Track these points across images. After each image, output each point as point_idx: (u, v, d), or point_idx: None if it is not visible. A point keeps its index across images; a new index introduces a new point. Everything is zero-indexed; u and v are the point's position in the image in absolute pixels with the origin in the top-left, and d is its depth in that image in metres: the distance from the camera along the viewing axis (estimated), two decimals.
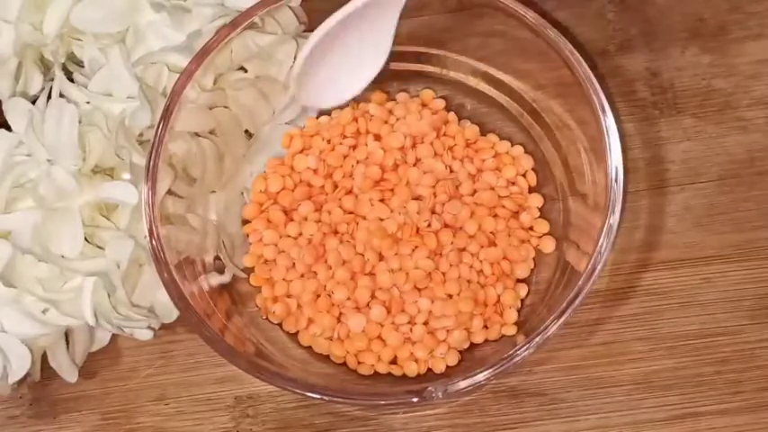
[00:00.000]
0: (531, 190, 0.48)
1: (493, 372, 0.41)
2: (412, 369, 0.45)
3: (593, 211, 0.44)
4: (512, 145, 0.49)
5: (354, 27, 0.44)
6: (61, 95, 0.45)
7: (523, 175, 0.48)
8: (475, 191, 0.47)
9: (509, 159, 0.48)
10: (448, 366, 0.45)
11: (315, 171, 0.47)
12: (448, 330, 0.45)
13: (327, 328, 0.45)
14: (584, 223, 0.45)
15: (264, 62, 0.46)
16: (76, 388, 0.47)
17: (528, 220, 0.47)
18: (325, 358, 0.46)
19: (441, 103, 0.49)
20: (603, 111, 0.43)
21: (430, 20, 0.50)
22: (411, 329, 0.45)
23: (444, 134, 0.48)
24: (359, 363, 0.45)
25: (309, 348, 0.46)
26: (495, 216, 0.47)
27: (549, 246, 0.47)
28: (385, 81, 0.49)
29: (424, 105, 0.49)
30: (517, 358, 0.41)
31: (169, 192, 0.44)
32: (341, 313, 0.46)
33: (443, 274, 0.45)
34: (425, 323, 0.45)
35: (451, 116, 0.49)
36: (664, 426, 0.46)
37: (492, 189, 0.47)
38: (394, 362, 0.45)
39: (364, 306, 0.45)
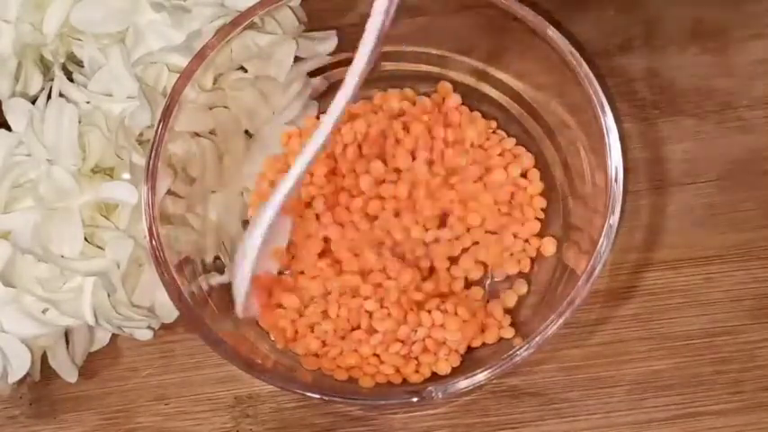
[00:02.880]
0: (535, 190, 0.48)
1: (493, 372, 0.41)
2: (415, 378, 0.45)
3: (593, 211, 0.44)
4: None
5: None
6: (61, 95, 0.45)
7: (524, 175, 0.48)
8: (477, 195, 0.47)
9: (510, 158, 0.48)
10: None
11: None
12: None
13: (312, 350, 0.45)
14: (584, 223, 0.45)
15: (264, 62, 0.46)
16: (76, 388, 0.47)
17: (532, 224, 0.47)
18: None
19: (457, 98, 0.49)
20: (603, 111, 0.43)
21: (430, 20, 0.50)
22: (411, 348, 0.45)
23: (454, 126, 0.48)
24: (356, 378, 0.45)
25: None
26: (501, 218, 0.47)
27: (550, 248, 0.47)
28: (385, 81, 0.50)
29: (443, 99, 0.49)
30: (517, 358, 0.41)
31: (169, 192, 0.44)
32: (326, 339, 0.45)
33: (447, 285, 0.46)
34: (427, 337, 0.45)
35: (464, 110, 0.49)
36: (664, 426, 0.46)
37: (499, 193, 0.47)
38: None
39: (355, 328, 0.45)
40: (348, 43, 0.49)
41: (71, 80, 0.47)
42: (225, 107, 0.46)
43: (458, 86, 0.49)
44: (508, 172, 0.48)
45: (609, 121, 0.43)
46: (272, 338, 0.45)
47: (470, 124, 0.48)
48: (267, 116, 0.48)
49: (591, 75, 0.44)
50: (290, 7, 0.46)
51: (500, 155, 0.48)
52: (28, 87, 0.48)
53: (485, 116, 0.49)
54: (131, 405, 0.47)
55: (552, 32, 0.44)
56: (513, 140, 0.49)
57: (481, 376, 0.41)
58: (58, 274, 0.43)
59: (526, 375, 0.47)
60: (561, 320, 0.41)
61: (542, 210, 0.47)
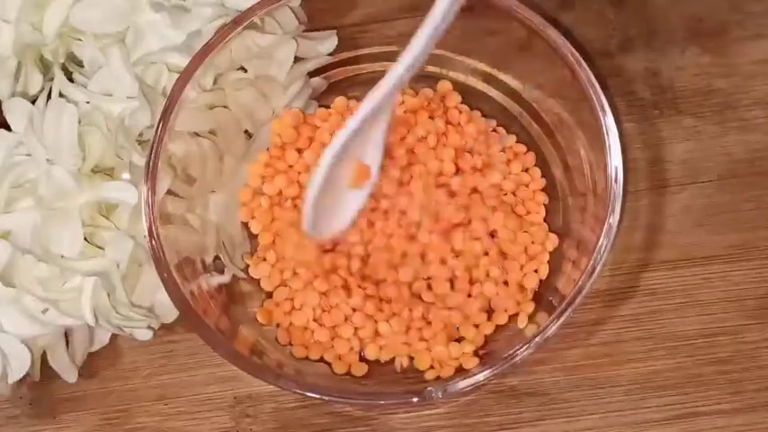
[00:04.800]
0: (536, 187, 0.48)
1: (493, 372, 0.41)
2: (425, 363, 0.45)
3: (593, 211, 0.44)
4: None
5: (348, 151, 0.43)
6: (61, 95, 0.45)
7: (525, 171, 0.48)
8: (477, 190, 0.47)
9: (512, 155, 0.48)
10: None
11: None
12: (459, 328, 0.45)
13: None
14: (584, 223, 0.45)
15: (264, 62, 0.46)
16: (76, 388, 0.47)
17: (534, 218, 0.47)
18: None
19: (457, 97, 0.49)
20: (603, 111, 0.43)
21: None
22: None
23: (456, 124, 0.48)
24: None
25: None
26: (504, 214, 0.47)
27: (549, 247, 0.47)
28: None
29: (442, 98, 0.49)
30: (517, 358, 0.41)
31: (169, 192, 0.44)
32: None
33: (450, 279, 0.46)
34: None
35: (464, 109, 0.49)
36: (664, 426, 0.46)
37: (500, 189, 0.47)
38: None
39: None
40: (348, 43, 0.49)
41: (71, 80, 0.47)
42: (225, 107, 0.46)
43: (458, 86, 0.49)
44: (510, 168, 0.48)
45: (609, 121, 0.43)
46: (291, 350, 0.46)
47: (470, 122, 0.48)
48: (267, 116, 0.48)
49: (591, 75, 0.44)
50: (290, 7, 0.46)
51: (501, 152, 0.48)
52: (28, 87, 0.48)
53: (485, 116, 0.49)
54: (131, 405, 0.47)
55: (552, 32, 0.44)
56: (514, 137, 0.49)
57: (481, 376, 0.41)
58: (58, 274, 0.43)
59: (526, 375, 0.47)
60: (561, 320, 0.41)
61: (543, 206, 0.48)
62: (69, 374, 0.46)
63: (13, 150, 0.45)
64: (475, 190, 0.47)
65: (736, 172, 0.49)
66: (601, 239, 0.42)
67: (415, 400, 0.41)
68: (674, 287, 0.48)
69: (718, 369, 0.46)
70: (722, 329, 0.47)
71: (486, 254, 0.46)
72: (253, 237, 0.48)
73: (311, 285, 0.46)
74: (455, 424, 0.46)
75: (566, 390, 0.46)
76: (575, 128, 0.46)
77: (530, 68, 0.47)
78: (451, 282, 0.46)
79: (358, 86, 0.50)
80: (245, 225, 0.48)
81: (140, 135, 0.45)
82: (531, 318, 0.45)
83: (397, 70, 0.40)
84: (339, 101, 0.49)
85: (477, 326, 0.45)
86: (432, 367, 0.45)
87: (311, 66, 0.48)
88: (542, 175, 0.48)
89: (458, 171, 0.47)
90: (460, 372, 0.44)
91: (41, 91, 0.47)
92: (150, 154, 0.43)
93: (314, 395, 0.41)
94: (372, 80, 0.49)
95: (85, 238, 0.43)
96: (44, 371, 0.46)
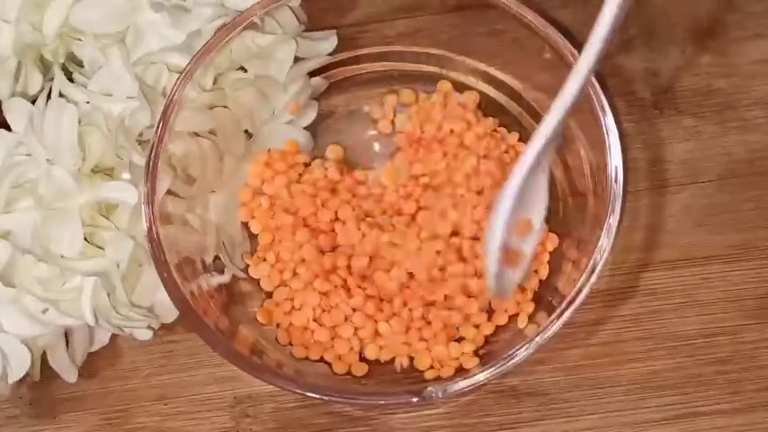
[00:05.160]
0: None
1: (493, 372, 0.41)
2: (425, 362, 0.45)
3: (593, 211, 0.44)
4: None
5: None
6: (61, 95, 0.45)
7: None
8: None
9: (514, 155, 0.48)
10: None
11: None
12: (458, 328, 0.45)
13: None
14: (584, 223, 0.45)
15: (264, 62, 0.46)
16: (76, 388, 0.47)
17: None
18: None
19: (457, 97, 0.49)
20: (603, 111, 0.43)
21: (430, 20, 0.50)
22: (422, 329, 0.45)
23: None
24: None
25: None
26: None
27: (549, 247, 0.47)
28: (385, 81, 0.50)
29: (444, 98, 0.49)
30: (517, 358, 0.41)
31: (169, 192, 0.44)
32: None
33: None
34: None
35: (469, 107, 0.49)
36: (664, 426, 0.46)
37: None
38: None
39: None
40: (348, 43, 0.49)
41: (71, 80, 0.47)
42: (225, 107, 0.46)
43: (458, 86, 0.49)
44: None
45: (609, 121, 0.43)
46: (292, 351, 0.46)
47: (479, 124, 0.48)
48: (267, 116, 0.48)
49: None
50: (290, 7, 0.46)
51: (505, 152, 0.48)
52: (28, 87, 0.48)
53: (485, 116, 0.49)
54: (131, 405, 0.47)
55: (552, 32, 0.44)
56: (517, 135, 0.48)
57: (481, 376, 0.41)
58: (58, 274, 0.43)
59: (526, 375, 0.47)
60: (561, 320, 0.41)
61: None
62: (69, 374, 0.46)
63: (13, 150, 0.45)
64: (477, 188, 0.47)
65: (736, 172, 0.49)
66: (601, 239, 0.42)
67: (415, 400, 0.41)
68: (674, 287, 0.48)
69: (718, 369, 0.46)
70: (722, 329, 0.47)
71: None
72: (253, 237, 0.48)
73: (311, 285, 0.46)
74: (455, 424, 0.46)
75: (566, 390, 0.46)
76: (575, 128, 0.46)
77: (530, 68, 0.47)
78: None
79: (358, 86, 0.50)
80: (245, 225, 0.48)
81: (140, 135, 0.45)
82: (531, 318, 0.45)
83: (548, 123, 0.39)
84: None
85: (477, 326, 0.45)
86: (432, 367, 0.45)
87: (311, 66, 0.48)
88: None
89: None
90: (460, 372, 0.44)
91: (41, 91, 0.47)
92: (150, 154, 0.43)
93: (314, 395, 0.41)
94: (372, 80, 0.50)
95: (85, 238, 0.43)
96: (44, 371, 0.46)
